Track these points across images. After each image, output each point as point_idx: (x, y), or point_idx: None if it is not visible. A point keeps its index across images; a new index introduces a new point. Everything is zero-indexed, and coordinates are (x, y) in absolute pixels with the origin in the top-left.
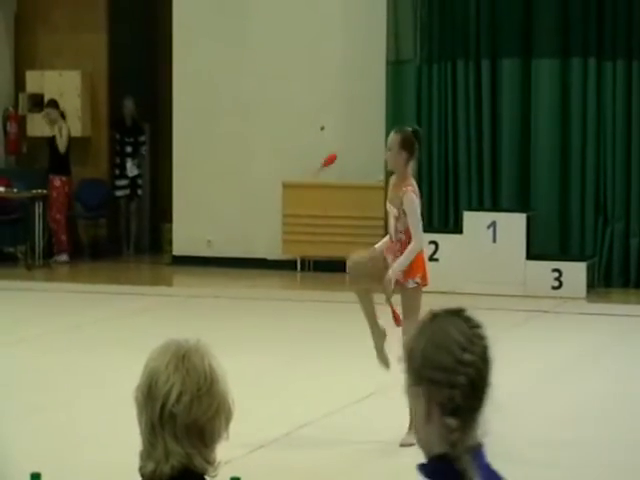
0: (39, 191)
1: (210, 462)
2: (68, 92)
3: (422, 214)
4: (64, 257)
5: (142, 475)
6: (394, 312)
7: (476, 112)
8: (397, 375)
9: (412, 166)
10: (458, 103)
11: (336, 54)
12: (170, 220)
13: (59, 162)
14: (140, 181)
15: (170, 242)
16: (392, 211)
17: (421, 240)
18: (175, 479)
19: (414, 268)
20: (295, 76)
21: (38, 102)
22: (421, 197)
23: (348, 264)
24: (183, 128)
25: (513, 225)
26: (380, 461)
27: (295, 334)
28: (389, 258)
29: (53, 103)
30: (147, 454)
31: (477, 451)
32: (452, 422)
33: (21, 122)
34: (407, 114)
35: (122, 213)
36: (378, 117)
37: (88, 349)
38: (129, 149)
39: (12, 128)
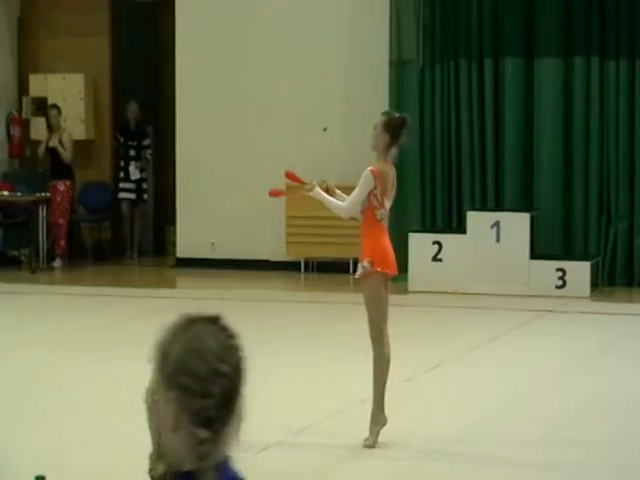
0: (43, 195)
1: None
2: (71, 95)
3: (425, 214)
4: (58, 263)
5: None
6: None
7: (479, 112)
8: (399, 376)
9: (393, 153)
10: (461, 103)
11: (339, 55)
12: (174, 222)
13: (62, 168)
14: (145, 185)
15: (174, 244)
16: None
17: (349, 210)
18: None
19: (364, 251)
20: (298, 77)
21: (42, 106)
22: (424, 197)
23: None
24: (186, 131)
25: (517, 225)
26: (384, 463)
27: (299, 335)
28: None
29: (55, 108)
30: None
31: (224, 465)
32: (202, 433)
33: (25, 126)
34: (410, 115)
35: (126, 216)
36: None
37: (92, 352)
38: (132, 153)
39: (16, 132)
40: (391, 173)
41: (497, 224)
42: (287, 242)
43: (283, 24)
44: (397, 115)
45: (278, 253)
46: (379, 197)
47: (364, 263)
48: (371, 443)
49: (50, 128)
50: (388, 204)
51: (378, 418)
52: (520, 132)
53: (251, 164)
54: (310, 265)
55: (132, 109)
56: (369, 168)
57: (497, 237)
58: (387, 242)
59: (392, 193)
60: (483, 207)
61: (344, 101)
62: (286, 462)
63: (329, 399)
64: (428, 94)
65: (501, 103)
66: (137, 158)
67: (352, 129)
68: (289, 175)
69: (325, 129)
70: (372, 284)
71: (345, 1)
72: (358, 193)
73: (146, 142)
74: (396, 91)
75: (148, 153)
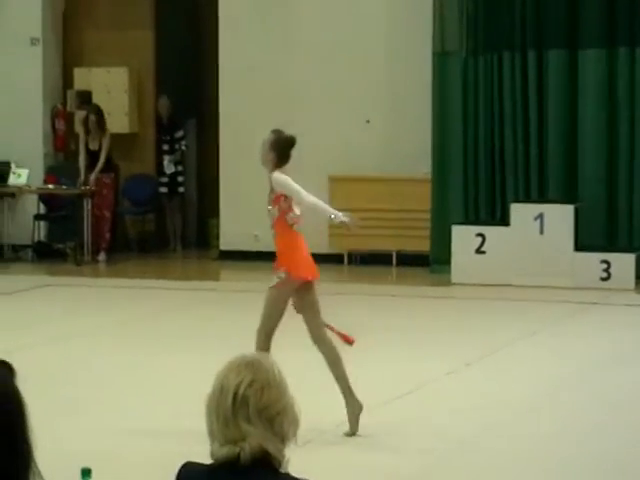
0: (87, 187)
1: (283, 455)
2: (115, 89)
3: (468, 206)
4: (102, 256)
5: (216, 459)
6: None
7: (522, 104)
8: (442, 368)
9: (284, 169)
10: (504, 95)
11: (382, 47)
12: (217, 215)
13: (105, 162)
14: (181, 178)
15: (217, 237)
16: (267, 200)
17: (306, 195)
18: (256, 461)
19: (280, 261)
20: (341, 70)
21: (86, 99)
22: (467, 190)
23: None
24: (229, 123)
25: (560, 217)
26: (421, 455)
27: (342, 327)
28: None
29: (95, 112)
30: (220, 445)
31: None
32: None
33: (69, 119)
34: (453, 106)
35: (168, 210)
36: (424, 110)
37: (136, 343)
38: (166, 147)
39: (60, 125)
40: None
41: (541, 216)
42: (330, 235)
43: (326, 15)
44: (285, 135)
45: (321, 245)
46: (288, 199)
47: (279, 273)
48: (354, 431)
49: (88, 131)
50: (298, 210)
51: (353, 406)
52: (564, 124)
53: (293, 156)
54: (353, 257)
55: (162, 104)
56: (276, 171)
57: (541, 229)
58: (303, 249)
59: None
60: (527, 199)
61: (387, 93)
62: (332, 455)
63: (374, 389)
64: (471, 85)
65: (544, 95)
66: (170, 152)
67: (395, 121)
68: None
69: (368, 121)
70: (281, 292)
71: None
72: (292, 188)
73: (179, 134)
74: (439, 82)
75: (183, 144)
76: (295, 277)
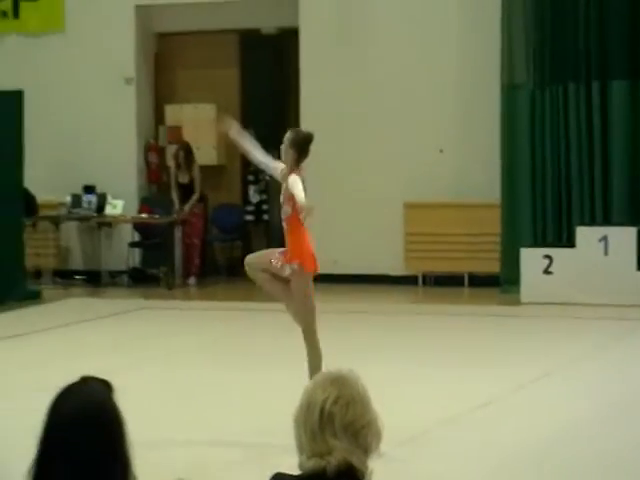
0: (179, 217)
1: (366, 467)
2: (203, 124)
3: (536, 229)
4: (192, 280)
5: (303, 470)
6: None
7: (587, 133)
8: (515, 383)
9: (303, 165)
10: (570, 124)
11: (453, 79)
12: None
13: (193, 192)
14: (265, 206)
15: None
16: (282, 198)
17: (301, 198)
18: (341, 473)
19: (293, 254)
20: (414, 101)
21: (177, 134)
22: (535, 214)
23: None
24: (310, 157)
25: (624, 239)
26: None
27: (418, 345)
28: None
29: (183, 149)
30: (308, 457)
31: None
32: None
33: (161, 153)
34: (521, 136)
35: (253, 237)
36: (493, 139)
37: (227, 361)
38: (251, 177)
39: (153, 158)
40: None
41: (605, 238)
42: (405, 257)
43: (400, 50)
44: (303, 133)
45: (397, 268)
46: None
47: (294, 265)
48: None
49: (179, 166)
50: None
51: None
52: (626, 151)
53: (370, 185)
54: (427, 279)
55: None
56: (293, 174)
57: (605, 250)
58: (310, 244)
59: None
60: (591, 222)
61: (458, 123)
62: (407, 466)
63: (445, 404)
64: (538, 116)
65: (608, 124)
66: (255, 182)
67: (466, 150)
68: None
69: (441, 150)
70: (303, 284)
71: (458, 26)
72: (297, 188)
73: None
74: (507, 113)
75: (267, 175)
76: (308, 269)
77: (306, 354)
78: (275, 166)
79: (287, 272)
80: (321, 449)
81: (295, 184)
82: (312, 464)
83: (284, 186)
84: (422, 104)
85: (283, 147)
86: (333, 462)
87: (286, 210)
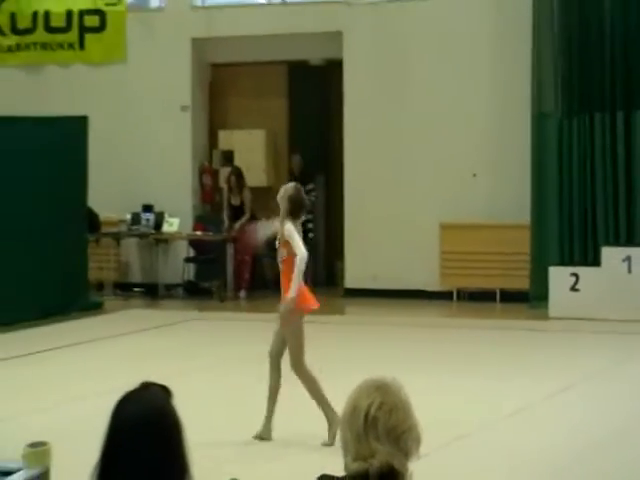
0: (230, 235)
1: (406, 469)
2: (254, 148)
3: (564, 249)
4: (243, 293)
5: (348, 472)
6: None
7: (612, 159)
8: (543, 393)
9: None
10: (595, 151)
11: (485, 109)
12: (342, 258)
13: (244, 213)
14: (311, 225)
15: (342, 277)
16: (277, 243)
17: (304, 251)
18: (383, 475)
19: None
20: (449, 130)
21: (229, 158)
22: (562, 235)
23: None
24: (353, 178)
25: None
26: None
27: (451, 356)
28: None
29: (235, 174)
30: (352, 459)
31: None
32: None
33: (214, 175)
34: (550, 162)
35: None
36: (524, 164)
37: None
38: None
39: (207, 180)
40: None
41: (629, 258)
42: (441, 274)
43: (435, 83)
44: (302, 197)
45: (432, 284)
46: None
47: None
48: (330, 442)
49: (231, 188)
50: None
51: (333, 421)
52: None
53: (409, 206)
54: (462, 294)
55: (295, 161)
56: (287, 223)
57: (629, 269)
58: (303, 284)
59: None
60: (616, 243)
61: (491, 150)
62: (441, 470)
63: (476, 412)
64: (566, 143)
65: (632, 151)
66: None
67: (498, 175)
68: None
69: (474, 175)
70: (294, 322)
71: (490, 59)
72: (298, 239)
73: (309, 187)
74: (537, 141)
75: (312, 196)
76: (305, 309)
77: (306, 389)
78: (300, 255)
79: (281, 309)
80: (365, 452)
81: (292, 236)
82: (356, 466)
83: (280, 231)
84: (457, 132)
85: (283, 197)
86: (376, 464)
87: (282, 253)
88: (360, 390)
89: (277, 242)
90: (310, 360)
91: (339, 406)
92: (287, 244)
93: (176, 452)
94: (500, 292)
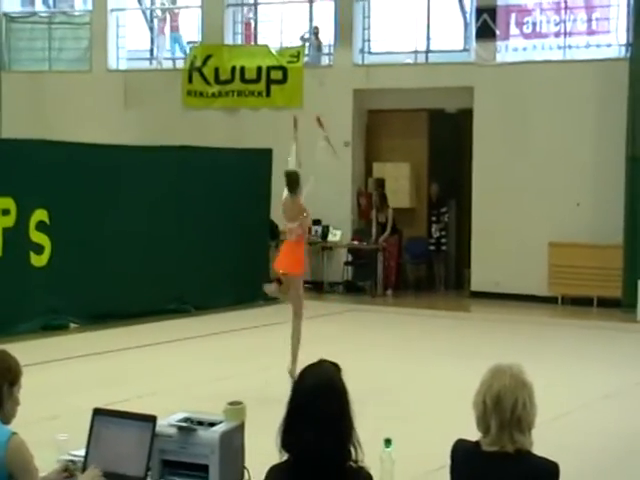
0: (380, 244)
1: (530, 442)
2: (401, 177)
3: None
4: (390, 291)
5: (481, 441)
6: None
7: None
8: (630, 380)
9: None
10: None
11: (589, 151)
12: (469, 266)
13: (391, 228)
14: (444, 240)
15: (469, 282)
16: (291, 223)
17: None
18: (515, 455)
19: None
20: (558, 168)
21: (380, 184)
22: None
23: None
24: (479, 203)
25: None
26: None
27: (556, 348)
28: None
29: (382, 196)
30: (491, 441)
31: None
32: None
33: (369, 198)
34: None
35: (433, 262)
36: (619, 195)
37: (413, 357)
38: (434, 218)
39: (363, 201)
40: (291, 205)
41: None
42: (549, 282)
43: (549, 129)
44: (292, 171)
45: (542, 290)
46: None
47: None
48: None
49: (377, 209)
50: (290, 225)
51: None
52: None
53: (524, 228)
54: (566, 299)
55: (433, 188)
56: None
57: None
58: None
59: (291, 217)
60: None
61: (592, 183)
62: None
63: (569, 396)
64: None
65: None
66: (437, 222)
67: (598, 204)
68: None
69: (578, 204)
70: (300, 283)
71: (593, 111)
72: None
73: (443, 209)
74: (630, 178)
75: (446, 217)
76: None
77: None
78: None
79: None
80: (505, 442)
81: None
82: (495, 449)
83: (293, 214)
84: (564, 169)
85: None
86: (512, 448)
87: (297, 229)
88: (490, 374)
89: (290, 218)
90: (443, 347)
91: (470, 387)
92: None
93: (345, 411)
94: (597, 299)
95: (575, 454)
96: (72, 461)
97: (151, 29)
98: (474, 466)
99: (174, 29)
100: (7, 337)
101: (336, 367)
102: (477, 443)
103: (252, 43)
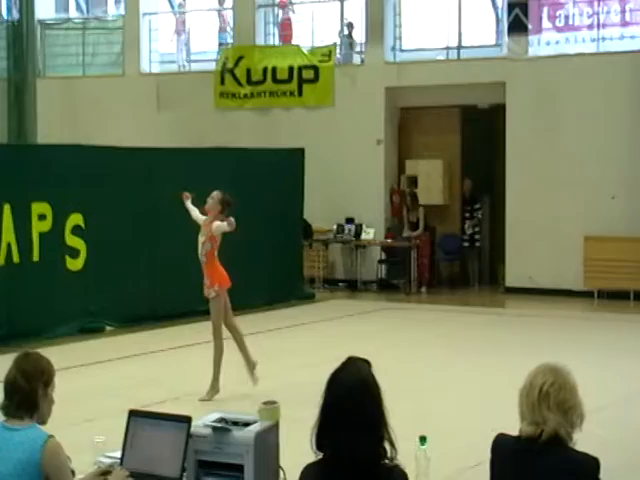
0: (413, 242)
1: (571, 437)
2: (433, 174)
3: None
4: (424, 289)
5: (523, 434)
6: None
7: None
8: None
9: (221, 218)
10: None
11: (623, 145)
12: (503, 262)
13: (423, 225)
14: (477, 236)
15: (503, 277)
16: (200, 240)
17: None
18: (551, 439)
19: (214, 278)
20: (593, 161)
21: (413, 181)
22: None
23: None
24: (513, 198)
25: None
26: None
27: (593, 341)
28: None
29: (413, 196)
30: (527, 424)
31: None
32: None
33: (402, 195)
34: None
35: (466, 258)
36: None
37: (450, 351)
38: (467, 214)
39: (396, 199)
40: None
41: None
42: (585, 277)
43: (581, 124)
44: (228, 198)
45: (578, 284)
46: (217, 240)
47: (215, 288)
48: (207, 398)
49: (408, 208)
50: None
51: (214, 387)
52: None
53: (560, 221)
54: (602, 294)
55: (466, 185)
56: (215, 222)
57: None
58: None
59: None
60: None
61: (628, 177)
62: None
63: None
64: None
65: None
66: (471, 218)
67: (632, 197)
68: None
69: (613, 197)
70: (218, 301)
71: (625, 105)
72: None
73: (477, 206)
74: None
75: (479, 214)
76: (221, 289)
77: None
78: (201, 218)
79: (211, 295)
80: (537, 419)
81: (218, 231)
82: (530, 430)
83: (204, 231)
84: (599, 162)
85: (212, 200)
86: (546, 429)
87: (207, 246)
88: (537, 370)
89: (200, 237)
90: (478, 343)
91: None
92: (212, 239)
93: (379, 409)
94: (633, 292)
95: (613, 449)
96: (112, 465)
97: (178, 33)
98: (515, 460)
99: (222, 30)
100: (45, 340)
101: (367, 364)
102: (518, 438)
103: (291, 42)
